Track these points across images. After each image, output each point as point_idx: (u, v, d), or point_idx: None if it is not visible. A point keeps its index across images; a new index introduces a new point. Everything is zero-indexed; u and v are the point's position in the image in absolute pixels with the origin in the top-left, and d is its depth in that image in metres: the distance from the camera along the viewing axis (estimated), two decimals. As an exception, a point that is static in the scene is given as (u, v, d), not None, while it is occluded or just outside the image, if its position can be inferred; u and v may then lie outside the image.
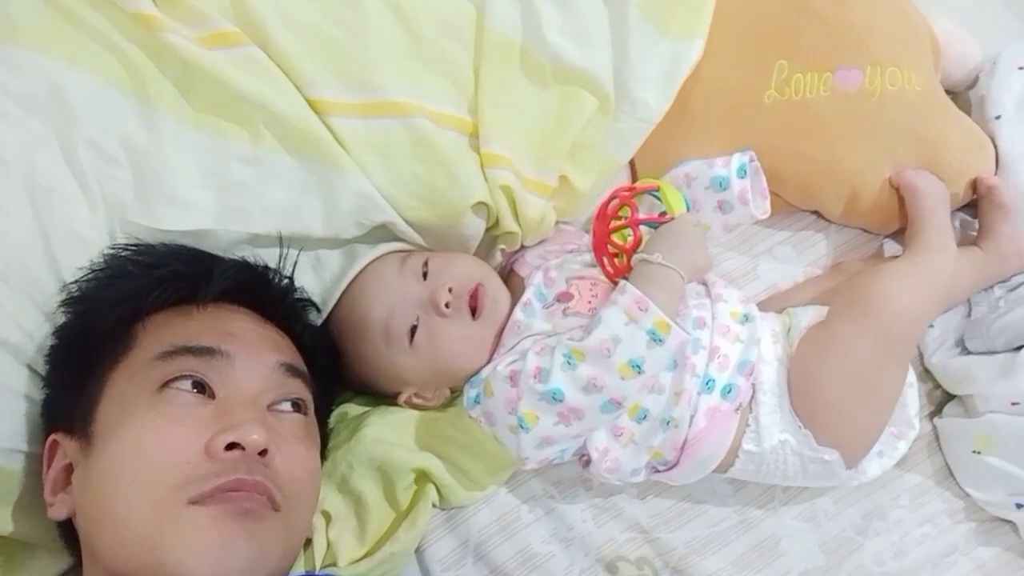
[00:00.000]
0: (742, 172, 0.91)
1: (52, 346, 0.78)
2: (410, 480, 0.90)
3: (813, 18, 1.00)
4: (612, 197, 0.92)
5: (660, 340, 0.79)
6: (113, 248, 0.80)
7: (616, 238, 0.89)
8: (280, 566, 0.70)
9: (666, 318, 0.79)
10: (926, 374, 1.01)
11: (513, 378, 0.82)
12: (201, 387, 0.71)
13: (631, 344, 0.79)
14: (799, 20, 1.00)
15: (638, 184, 0.93)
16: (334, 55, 0.87)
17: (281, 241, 0.87)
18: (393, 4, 0.90)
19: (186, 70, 0.84)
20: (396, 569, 0.89)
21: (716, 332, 0.87)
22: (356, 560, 0.87)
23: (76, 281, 0.78)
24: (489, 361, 0.88)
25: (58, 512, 0.71)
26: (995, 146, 1.01)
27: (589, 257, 0.94)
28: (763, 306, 0.96)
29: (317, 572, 0.84)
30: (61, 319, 0.78)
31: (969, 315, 0.99)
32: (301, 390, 0.78)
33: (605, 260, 0.90)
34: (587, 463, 0.86)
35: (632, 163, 1.02)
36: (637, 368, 0.79)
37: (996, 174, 1.00)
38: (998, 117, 1.02)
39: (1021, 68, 1.04)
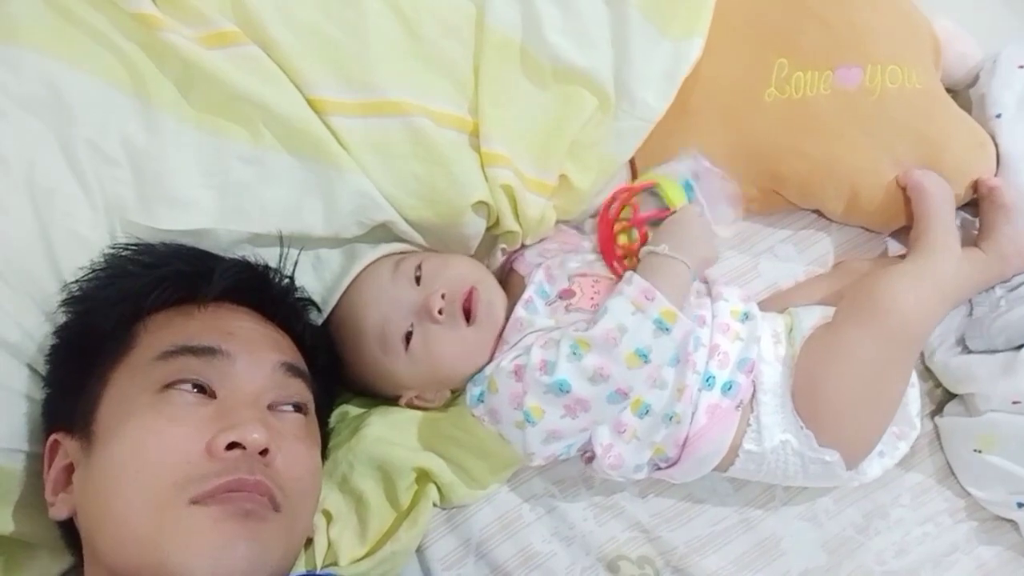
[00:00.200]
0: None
1: (53, 346, 0.78)
2: (411, 479, 0.90)
3: (813, 16, 1.00)
4: (612, 200, 0.92)
5: (667, 329, 0.79)
6: (113, 248, 0.80)
7: (622, 240, 0.89)
8: (281, 566, 0.70)
9: (672, 307, 0.79)
10: (927, 373, 1.00)
11: (518, 373, 0.82)
12: (202, 388, 0.71)
13: (638, 333, 0.79)
14: (799, 18, 1.00)
15: (636, 183, 0.93)
16: (334, 55, 0.87)
17: (281, 240, 0.87)
18: (393, 4, 0.90)
19: (186, 70, 0.84)
20: (397, 568, 0.90)
21: (716, 330, 0.87)
22: (357, 559, 0.87)
23: (76, 281, 0.78)
24: (491, 360, 0.87)
25: (59, 512, 0.71)
26: (995, 144, 1.01)
27: (590, 255, 0.94)
28: (764, 305, 0.96)
29: (318, 571, 0.84)
30: (61, 319, 0.78)
31: (970, 314, 0.99)
32: (302, 390, 0.78)
33: (615, 263, 0.90)
34: (590, 459, 0.86)
35: (632, 162, 1.01)
36: (644, 357, 0.79)
37: (997, 173, 1.00)
38: (999, 116, 1.02)
39: (1022, 67, 1.04)
